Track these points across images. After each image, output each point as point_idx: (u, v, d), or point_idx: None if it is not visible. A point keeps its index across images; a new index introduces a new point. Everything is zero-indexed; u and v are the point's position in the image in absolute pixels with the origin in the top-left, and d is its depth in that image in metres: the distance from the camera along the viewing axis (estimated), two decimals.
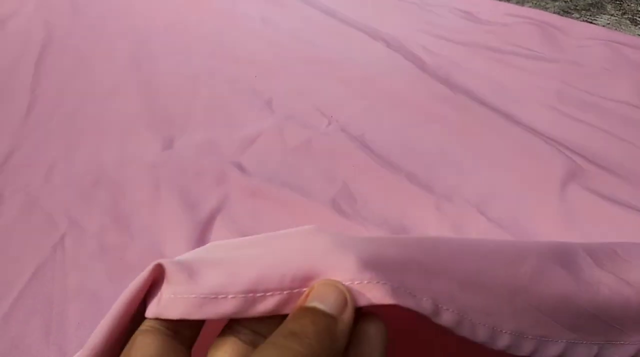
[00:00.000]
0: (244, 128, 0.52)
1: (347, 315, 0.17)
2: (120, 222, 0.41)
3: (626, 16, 0.72)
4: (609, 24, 0.71)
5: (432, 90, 0.54)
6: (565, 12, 0.74)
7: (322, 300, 0.17)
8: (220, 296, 0.17)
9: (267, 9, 0.79)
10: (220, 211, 0.42)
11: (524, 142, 0.46)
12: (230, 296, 0.17)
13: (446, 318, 0.19)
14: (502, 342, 0.20)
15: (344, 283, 0.18)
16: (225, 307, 0.17)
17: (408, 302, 0.18)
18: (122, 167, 0.48)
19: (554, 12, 0.74)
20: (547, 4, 0.77)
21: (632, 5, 0.75)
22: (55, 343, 0.32)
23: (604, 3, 0.76)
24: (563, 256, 0.25)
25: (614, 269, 0.26)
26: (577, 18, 0.72)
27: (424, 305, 0.18)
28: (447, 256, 0.22)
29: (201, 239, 0.39)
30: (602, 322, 0.24)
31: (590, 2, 0.77)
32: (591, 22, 0.70)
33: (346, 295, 0.17)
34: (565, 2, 0.77)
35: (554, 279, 0.23)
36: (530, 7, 0.75)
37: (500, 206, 0.40)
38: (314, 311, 0.17)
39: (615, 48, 0.60)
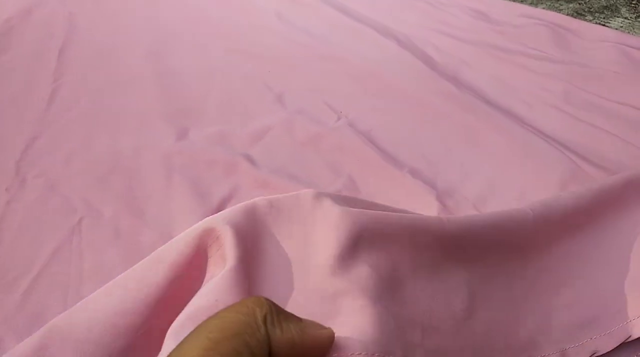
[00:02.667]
0: (256, 121, 0.54)
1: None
2: (134, 208, 0.43)
3: None
4: (622, 26, 0.71)
5: (439, 88, 0.55)
6: (578, 14, 0.74)
7: None
8: None
9: (283, 6, 0.81)
10: (230, 200, 0.44)
11: (527, 142, 0.47)
12: None
13: None
14: None
15: None
16: None
17: None
18: (138, 155, 0.50)
19: (568, 14, 0.74)
20: (561, 5, 0.78)
21: None
22: None
23: (618, 6, 0.76)
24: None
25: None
26: (590, 20, 0.72)
27: None
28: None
29: None
30: (520, 340, 0.27)
31: (605, 4, 0.77)
32: (604, 25, 0.70)
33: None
34: (579, 4, 0.78)
35: (481, 308, 0.27)
36: (544, 8, 0.75)
37: (497, 205, 0.41)
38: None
39: (626, 51, 0.60)
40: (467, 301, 0.26)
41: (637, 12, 0.74)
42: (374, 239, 0.24)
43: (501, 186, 0.43)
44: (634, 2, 0.76)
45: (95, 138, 0.52)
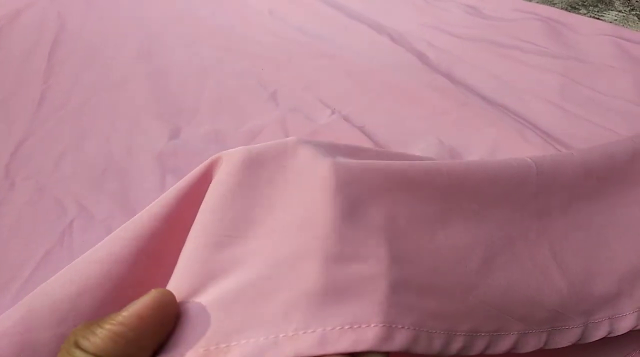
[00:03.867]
0: (249, 120, 0.54)
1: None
2: (127, 209, 0.43)
3: (634, 12, 0.72)
4: (616, 20, 0.70)
5: (432, 84, 0.55)
6: (572, 8, 0.74)
7: None
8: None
9: (275, 3, 0.80)
10: None
11: (522, 137, 0.46)
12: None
13: (400, 338, 0.19)
14: (456, 345, 0.20)
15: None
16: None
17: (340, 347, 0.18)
18: (130, 156, 0.49)
19: (562, 8, 0.74)
20: None
21: None
22: None
23: None
24: (510, 239, 0.25)
25: (557, 254, 0.26)
26: (584, 14, 0.72)
27: (368, 337, 0.18)
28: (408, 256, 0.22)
29: None
30: (546, 309, 0.24)
31: None
32: (598, 18, 0.70)
33: None
34: None
35: (501, 269, 0.23)
36: (537, 2, 0.75)
37: None
38: None
39: (620, 44, 0.60)
40: (482, 258, 0.23)
41: (631, 5, 0.74)
42: (373, 193, 0.22)
43: None
44: None
45: (87, 139, 0.52)
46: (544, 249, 0.26)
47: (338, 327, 0.18)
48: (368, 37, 0.67)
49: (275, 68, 0.63)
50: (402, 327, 0.19)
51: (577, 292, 0.25)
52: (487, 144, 0.46)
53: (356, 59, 0.62)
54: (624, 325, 0.26)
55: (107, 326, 0.17)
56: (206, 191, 0.23)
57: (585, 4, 0.75)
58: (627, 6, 0.74)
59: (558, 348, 0.26)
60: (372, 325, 0.18)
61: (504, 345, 0.21)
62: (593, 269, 0.27)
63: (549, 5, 0.74)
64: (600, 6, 0.74)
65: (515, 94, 0.53)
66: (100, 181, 0.46)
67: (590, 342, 0.27)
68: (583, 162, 0.30)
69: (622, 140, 0.33)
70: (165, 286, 0.20)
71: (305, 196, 0.22)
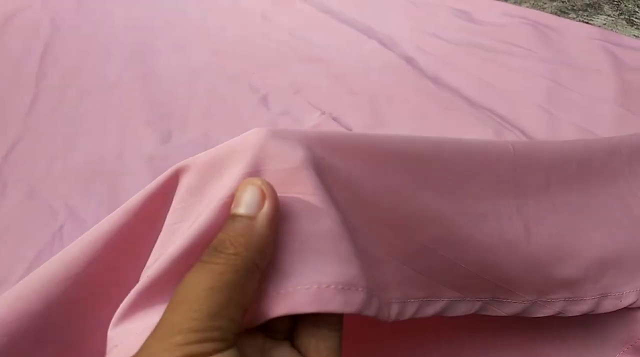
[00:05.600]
0: (240, 124, 0.54)
1: (266, 209, 0.18)
2: None
3: (623, 17, 0.73)
4: (605, 24, 0.71)
5: (419, 88, 0.55)
6: (562, 12, 0.75)
7: (239, 203, 0.18)
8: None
9: (267, 6, 0.81)
10: None
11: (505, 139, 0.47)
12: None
13: (375, 305, 0.20)
14: (392, 312, 0.22)
15: (262, 179, 0.18)
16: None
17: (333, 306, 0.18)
18: (121, 159, 0.49)
19: (551, 12, 0.74)
20: (544, 3, 0.78)
21: (629, 5, 0.75)
22: None
23: (601, 3, 0.77)
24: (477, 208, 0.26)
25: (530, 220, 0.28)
26: (573, 18, 0.73)
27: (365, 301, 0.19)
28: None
29: None
30: (487, 281, 0.25)
31: (588, 2, 0.77)
32: (587, 23, 0.71)
33: (263, 189, 0.18)
34: (562, 2, 0.78)
35: (462, 242, 0.25)
36: (527, 7, 0.76)
37: None
38: (233, 217, 0.18)
39: (607, 48, 0.61)
40: (441, 229, 0.24)
41: (619, 10, 0.75)
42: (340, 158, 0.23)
43: None
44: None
45: (78, 142, 0.52)
46: (517, 226, 0.27)
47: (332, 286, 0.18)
48: (358, 41, 0.68)
49: (266, 72, 0.63)
50: (374, 295, 0.19)
51: (536, 272, 0.27)
52: None
53: (346, 62, 0.63)
54: (579, 308, 0.27)
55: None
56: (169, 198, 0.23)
57: (575, 8, 0.76)
58: (616, 10, 0.75)
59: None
60: (360, 289, 0.19)
61: (432, 309, 0.24)
62: (562, 252, 0.28)
63: (539, 9, 0.75)
64: (589, 10, 0.75)
65: (503, 97, 0.54)
66: (91, 185, 0.46)
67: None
68: (561, 149, 0.31)
69: (603, 138, 0.35)
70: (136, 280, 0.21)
71: None
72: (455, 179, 0.26)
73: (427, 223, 0.24)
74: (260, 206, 0.18)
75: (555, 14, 0.74)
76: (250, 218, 0.18)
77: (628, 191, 0.33)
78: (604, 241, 0.29)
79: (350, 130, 0.50)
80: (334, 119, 0.52)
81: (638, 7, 0.75)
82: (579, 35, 0.65)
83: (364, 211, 0.22)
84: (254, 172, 0.20)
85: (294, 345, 0.19)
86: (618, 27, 0.70)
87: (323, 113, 0.53)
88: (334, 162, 0.22)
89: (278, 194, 0.19)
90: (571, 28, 0.67)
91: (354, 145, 0.23)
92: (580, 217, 0.30)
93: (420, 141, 0.25)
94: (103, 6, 0.84)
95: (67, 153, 0.50)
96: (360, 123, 0.51)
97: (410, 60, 0.61)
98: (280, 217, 0.19)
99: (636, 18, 0.72)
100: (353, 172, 0.22)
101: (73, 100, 0.59)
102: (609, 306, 0.28)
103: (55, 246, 0.40)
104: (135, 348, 0.16)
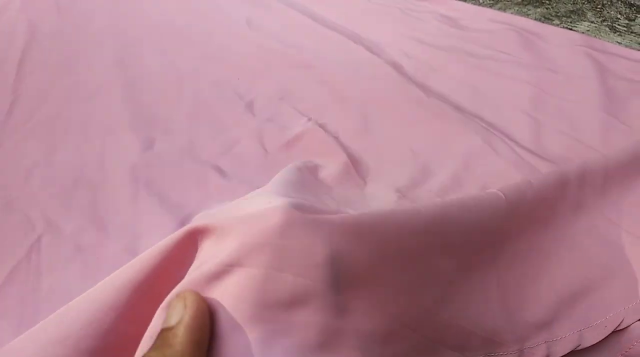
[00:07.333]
0: (226, 131, 0.53)
1: (184, 320, 0.19)
2: (97, 222, 0.42)
3: (605, 23, 0.73)
4: (588, 30, 0.72)
5: (407, 94, 0.55)
6: (546, 19, 0.75)
7: (167, 317, 0.19)
8: None
9: (253, 12, 0.80)
10: (198, 213, 0.43)
11: (495, 149, 0.46)
12: None
13: None
14: None
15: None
16: None
17: None
18: (102, 168, 0.48)
19: (536, 19, 0.75)
20: (529, 10, 0.78)
21: (612, 12, 0.76)
22: None
23: (584, 10, 0.77)
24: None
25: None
26: (557, 24, 0.73)
27: None
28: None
29: None
30: (480, 337, 0.26)
31: (572, 9, 0.78)
32: (571, 29, 0.71)
33: (184, 301, 0.19)
34: (546, 8, 0.79)
35: (449, 301, 0.26)
36: (512, 13, 0.76)
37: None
38: (161, 330, 0.19)
39: (591, 55, 0.61)
40: (441, 291, 0.25)
41: (602, 16, 0.75)
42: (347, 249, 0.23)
43: (466, 181, 0.43)
44: (599, 6, 0.78)
45: (58, 151, 0.50)
46: (491, 278, 0.28)
47: None
48: (344, 47, 0.67)
49: (252, 78, 0.62)
50: None
51: (512, 320, 0.27)
52: (458, 156, 0.46)
53: (332, 69, 0.62)
54: (561, 348, 0.28)
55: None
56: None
57: (559, 14, 0.77)
58: (599, 17, 0.75)
59: None
60: None
61: None
62: (531, 295, 0.29)
63: (524, 16, 0.75)
64: (573, 17, 0.76)
65: (490, 104, 0.54)
66: (71, 195, 0.45)
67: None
68: (539, 190, 0.32)
69: (573, 163, 0.36)
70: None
71: None
72: (461, 237, 0.27)
73: (431, 286, 0.25)
74: (178, 318, 0.19)
75: (540, 20, 0.74)
76: (170, 330, 0.19)
77: (601, 217, 0.34)
78: (569, 278, 0.30)
79: (337, 137, 0.50)
80: (321, 125, 0.51)
81: (620, 14, 0.76)
82: (563, 42, 0.65)
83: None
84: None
85: None
86: (601, 33, 0.71)
87: (309, 119, 0.53)
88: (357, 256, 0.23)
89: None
90: (556, 34, 0.67)
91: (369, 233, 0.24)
92: (551, 256, 0.31)
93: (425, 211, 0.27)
94: (83, 10, 0.82)
95: (46, 162, 0.49)
96: (347, 130, 0.51)
97: (397, 66, 0.61)
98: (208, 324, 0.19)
99: (619, 25, 0.73)
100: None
101: (53, 107, 0.57)
102: (595, 336, 0.28)
103: (33, 259, 0.38)
104: None
